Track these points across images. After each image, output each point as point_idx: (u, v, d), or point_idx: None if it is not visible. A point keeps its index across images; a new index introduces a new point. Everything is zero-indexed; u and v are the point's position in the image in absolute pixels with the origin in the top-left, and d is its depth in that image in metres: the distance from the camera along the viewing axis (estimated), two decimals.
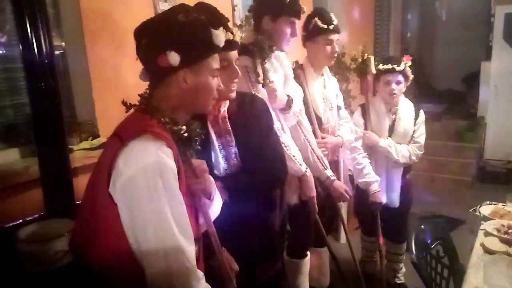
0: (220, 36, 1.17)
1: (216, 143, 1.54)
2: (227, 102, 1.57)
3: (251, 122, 1.61)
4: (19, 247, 1.54)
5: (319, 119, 2.36)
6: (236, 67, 1.51)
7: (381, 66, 2.60)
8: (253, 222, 1.68)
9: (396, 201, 2.67)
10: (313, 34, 2.32)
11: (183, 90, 1.14)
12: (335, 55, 2.37)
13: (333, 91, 2.49)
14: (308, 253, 2.48)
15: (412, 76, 2.63)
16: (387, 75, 2.57)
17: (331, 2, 4.64)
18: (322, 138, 2.36)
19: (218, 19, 1.39)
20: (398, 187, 2.66)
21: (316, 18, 2.29)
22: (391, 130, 2.65)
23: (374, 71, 2.65)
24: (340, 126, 2.53)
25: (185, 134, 1.17)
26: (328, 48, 2.32)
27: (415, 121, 2.67)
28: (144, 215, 1.02)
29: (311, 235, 2.43)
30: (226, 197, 1.46)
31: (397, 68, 2.53)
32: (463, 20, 7.09)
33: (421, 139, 2.68)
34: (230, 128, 1.57)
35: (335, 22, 2.31)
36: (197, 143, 1.21)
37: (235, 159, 1.58)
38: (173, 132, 1.14)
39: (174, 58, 1.08)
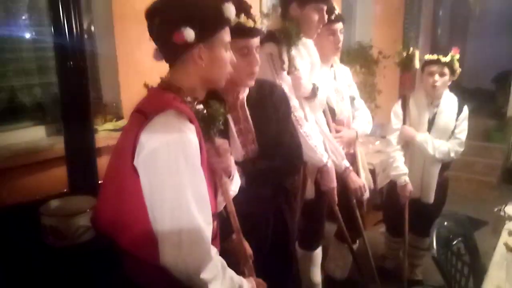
0: (230, 9, 1.16)
1: (234, 128, 1.55)
2: (246, 88, 1.58)
3: (270, 109, 1.62)
4: (43, 221, 1.58)
5: (332, 111, 2.31)
6: (256, 54, 1.50)
7: (426, 57, 2.52)
8: (269, 208, 1.69)
9: (430, 197, 2.60)
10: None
11: (199, 66, 1.14)
12: (340, 45, 2.30)
13: (344, 81, 2.43)
14: (320, 245, 2.46)
15: (459, 70, 2.51)
16: (431, 66, 2.49)
17: None
18: (337, 131, 2.31)
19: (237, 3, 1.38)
20: (434, 183, 2.59)
21: None
22: (431, 124, 2.57)
23: (418, 65, 2.57)
24: (355, 117, 2.47)
25: (208, 113, 1.18)
26: (331, 37, 2.23)
27: (457, 117, 2.57)
28: (163, 189, 1.03)
29: (323, 227, 2.41)
30: (243, 182, 1.46)
31: (442, 59, 2.45)
32: (496, 16, 6.86)
33: (463, 135, 2.58)
34: (248, 114, 1.58)
35: (336, 11, 2.23)
36: (220, 122, 1.22)
37: (252, 145, 1.59)
38: (196, 110, 1.15)
39: (189, 34, 1.08)
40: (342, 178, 2.24)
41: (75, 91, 1.87)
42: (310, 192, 2.20)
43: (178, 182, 1.03)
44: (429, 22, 6.40)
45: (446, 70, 2.48)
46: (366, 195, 2.38)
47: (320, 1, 1.94)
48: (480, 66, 6.88)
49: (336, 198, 2.17)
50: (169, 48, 1.15)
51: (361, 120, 2.48)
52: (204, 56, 1.14)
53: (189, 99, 1.15)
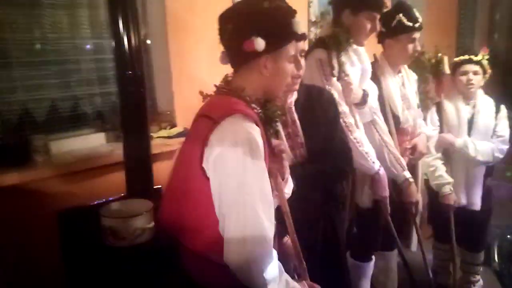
0: (300, 24, 1.20)
1: (282, 132, 1.56)
2: (294, 93, 1.59)
3: (318, 113, 1.63)
4: (103, 222, 1.66)
5: (396, 118, 2.26)
6: (301, 59, 1.51)
7: (457, 58, 2.55)
8: (317, 214, 1.67)
9: (477, 203, 2.53)
10: (395, 31, 2.19)
11: (262, 75, 1.19)
12: (416, 54, 2.27)
13: (412, 88, 2.38)
14: (373, 257, 2.40)
15: (490, 69, 2.53)
16: (464, 66, 2.52)
17: None
18: (400, 144, 2.26)
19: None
20: (479, 189, 2.53)
21: (401, 15, 2.16)
22: (470, 125, 2.53)
23: (448, 71, 2.54)
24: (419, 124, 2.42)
25: (267, 114, 1.22)
26: (410, 46, 2.21)
27: (496, 115, 2.53)
28: (231, 189, 1.07)
29: (378, 239, 2.35)
30: (292, 187, 1.47)
31: (474, 58, 2.48)
32: None
33: (505, 132, 2.52)
34: (296, 118, 1.59)
35: (420, 20, 2.20)
36: (278, 124, 1.24)
37: (301, 148, 1.59)
38: (258, 112, 1.19)
39: (259, 43, 1.13)
40: (400, 188, 2.18)
41: (133, 100, 1.96)
42: (365, 200, 2.16)
43: (246, 183, 1.07)
44: (485, 27, 6.12)
45: (479, 69, 2.49)
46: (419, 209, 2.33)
47: (374, 9, 1.93)
48: None
49: (389, 208, 2.12)
50: (237, 54, 1.20)
51: (424, 124, 2.46)
52: (269, 66, 1.18)
53: (251, 101, 1.19)
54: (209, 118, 1.13)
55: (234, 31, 1.17)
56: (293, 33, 1.20)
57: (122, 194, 1.92)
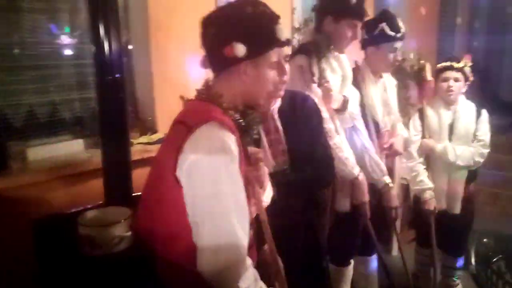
0: (283, 30, 1.19)
1: (264, 139, 1.56)
2: (278, 99, 1.58)
3: (301, 121, 1.62)
4: (80, 231, 1.63)
5: (376, 124, 2.29)
6: (285, 64, 1.50)
7: (440, 64, 2.57)
8: (298, 221, 1.67)
9: (456, 207, 2.56)
10: (377, 39, 2.22)
11: (242, 81, 1.17)
12: (396, 63, 2.31)
13: (393, 94, 2.41)
14: (352, 261, 2.41)
15: (472, 77, 2.56)
16: (445, 72, 2.54)
17: (393, 5, 4.53)
18: (384, 142, 2.29)
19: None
20: (460, 194, 2.56)
21: (384, 24, 2.18)
22: (451, 130, 2.56)
23: (429, 77, 2.58)
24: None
25: (244, 122, 1.20)
26: (391, 55, 2.24)
27: (476, 120, 2.57)
28: (204, 198, 1.06)
29: (357, 243, 2.37)
30: (274, 193, 1.45)
31: (455, 65, 2.50)
32: None
33: (486, 137, 2.56)
34: (279, 125, 1.58)
35: (402, 30, 2.22)
36: (255, 132, 1.23)
37: (283, 156, 1.59)
38: (234, 119, 1.17)
39: (240, 49, 1.11)
40: (380, 193, 2.20)
41: (112, 106, 1.93)
42: (345, 205, 2.17)
43: (220, 191, 1.06)
44: (464, 34, 6.26)
45: (460, 76, 2.51)
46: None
47: (355, 17, 1.95)
48: None
49: (368, 213, 2.13)
50: (218, 59, 1.18)
51: (403, 128, 2.49)
52: (250, 72, 1.17)
53: (229, 108, 1.18)
54: (184, 125, 1.12)
55: (215, 36, 1.16)
56: (276, 40, 1.18)
57: (100, 202, 1.89)
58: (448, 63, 2.54)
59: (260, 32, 1.15)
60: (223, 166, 1.06)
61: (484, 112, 2.60)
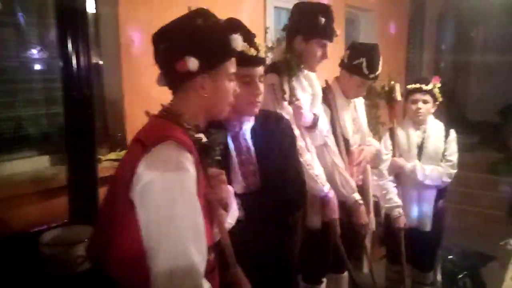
0: (237, 40, 1.16)
1: (235, 159, 1.53)
2: (251, 119, 1.57)
3: (274, 141, 1.60)
4: (42, 251, 1.58)
5: (346, 141, 2.33)
6: (259, 84, 1.50)
7: (409, 86, 2.63)
8: (269, 243, 1.64)
9: (427, 224, 2.60)
10: (352, 70, 2.26)
11: (201, 96, 1.14)
12: (364, 92, 2.38)
13: (362, 112, 2.47)
14: (324, 279, 2.41)
15: (441, 98, 2.62)
16: (414, 94, 2.59)
17: (364, 28, 4.67)
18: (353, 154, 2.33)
19: (237, 27, 1.38)
20: (430, 211, 2.60)
21: (364, 59, 2.21)
22: (421, 150, 2.62)
23: (399, 98, 2.65)
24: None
25: (206, 142, 1.15)
26: (360, 89, 2.32)
27: (445, 139, 2.63)
28: (158, 222, 1.01)
29: (329, 260, 2.37)
30: (242, 215, 1.43)
31: (424, 87, 2.56)
32: (500, 49, 6.94)
33: (454, 157, 2.62)
34: (251, 145, 1.56)
35: (378, 72, 2.27)
36: (218, 152, 1.20)
37: (253, 177, 1.55)
38: (194, 139, 1.13)
39: (193, 63, 1.08)
40: (350, 210, 2.22)
41: (80, 121, 1.90)
42: (315, 222, 2.17)
43: (174, 215, 1.01)
44: (432, 56, 6.50)
45: (429, 98, 2.58)
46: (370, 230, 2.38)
47: (325, 37, 2.00)
48: (485, 98, 6.92)
49: (339, 230, 2.14)
50: (172, 75, 1.15)
51: (374, 141, 2.53)
52: (207, 86, 1.14)
53: (189, 127, 1.13)
54: (141, 143, 1.07)
55: (167, 51, 1.12)
56: (230, 50, 1.15)
57: (65, 221, 1.83)
58: (417, 85, 2.59)
59: (212, 44, 1.11)
60: (178, 187, 1.02)
61: (452, 132, 2.66)
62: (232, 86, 1.20)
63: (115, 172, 1.17)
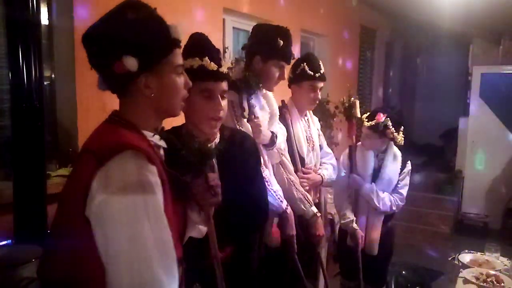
0: (178, 29, 1.05)
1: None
2: (216, 137, 1.56)
3: (239, 160, 1.59)
4: None
5: (302, 159, 2.37)
6: (221, 99, 1.50)
7: (365, 121, 2.61)
8: (231, 260, 1.62)
9: (374, 249, 2.62)
10: (299, 78, 2.36)
11: (147, 96, 1.03)
12: (317, 101, 2.44)
13: (316, 131, 2.53)
14: None
15: (391, 135, 2.56)
16: (368, 130, 2.59)
17: (317, 53, 4.83)
18: (304, 173, 2.35)
19: (201, 41, 1.42)
20: (377, 233, 2.62)
21: (305, 63, 2.34)
22: (376, 176, 2.64)
23: (359, 114, 2.70)
24: (323, 164, 2.53)
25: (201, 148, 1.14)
26: (312, 94, 2.37)
27: (401, 171, 2.67)
28: (119, 241, 0.91)
29: (286, 278, 2.36)
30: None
31: (366, 124, 2.58)
32: (442, 78, 7.45)
33: (404, 190, 2.67)
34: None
35: (322, 71, 2.38)
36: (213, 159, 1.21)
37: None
38: (153, 145, 1.07)
39: (131, 63, 0.97)
40: (308, 224, 2.23)
41: (28, 134, 1.81)
42: (275, 240, 2.16)
43: (136, 232, 0.92)
44: (380, 82, 6.83)
45: (372, 134, 2.57)
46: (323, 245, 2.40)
47: (282, 59, 2.05)
48: (429, 123, 7.36)
49: (295, 246, 2.15)
50: (112, 79, 1.02)
51: (327, 167, 2.53)
52: (152, 84, 1.03)
53: (146, 132, 1.05)
54: (93, 155, 0.96)
55: (101, 53, 1.00)
56: (171, 42, 1.04)
57: (10, 240, 1.72)
58: (368, 123, 2.56)
59: (148, 38, 0.99)
60: (140, 203, 0.92)
61: (408, 165, 2.69)
62: (181, 79, 1.08)
63: (64, 188, 1.05)
